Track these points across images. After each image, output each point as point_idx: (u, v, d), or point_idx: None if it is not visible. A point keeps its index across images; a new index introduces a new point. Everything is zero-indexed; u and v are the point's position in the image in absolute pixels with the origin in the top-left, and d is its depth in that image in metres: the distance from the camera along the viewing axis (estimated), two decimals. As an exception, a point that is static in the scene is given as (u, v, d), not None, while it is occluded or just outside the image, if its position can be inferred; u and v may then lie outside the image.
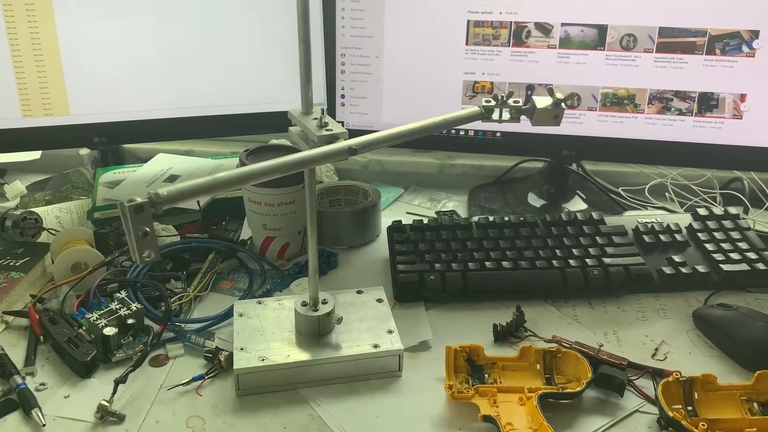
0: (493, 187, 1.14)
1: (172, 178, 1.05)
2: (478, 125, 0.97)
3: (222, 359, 0.71)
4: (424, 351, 0.75)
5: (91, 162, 1.14)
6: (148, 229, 0.39)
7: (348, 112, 0.99)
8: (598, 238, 0.90)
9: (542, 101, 0.63)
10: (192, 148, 1.20)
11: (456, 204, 1.11)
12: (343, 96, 0.98)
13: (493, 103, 0.65)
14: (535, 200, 1.09)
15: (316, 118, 0.59)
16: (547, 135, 0.97)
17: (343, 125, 1.01)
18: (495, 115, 0.65)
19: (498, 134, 0.98)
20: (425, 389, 0.69)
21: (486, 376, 0.70)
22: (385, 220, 0.97)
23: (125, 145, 1.18)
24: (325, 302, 0.71)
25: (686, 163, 1.03)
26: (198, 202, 0.97)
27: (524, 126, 0.96)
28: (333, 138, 0.57)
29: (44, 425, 0.64)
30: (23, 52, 0.91)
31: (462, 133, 0.98)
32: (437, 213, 1.06)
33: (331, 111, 1.00)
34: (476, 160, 1.16)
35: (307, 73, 0.60)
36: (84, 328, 0.75)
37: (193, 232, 0.96)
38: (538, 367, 0.70)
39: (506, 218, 0.93)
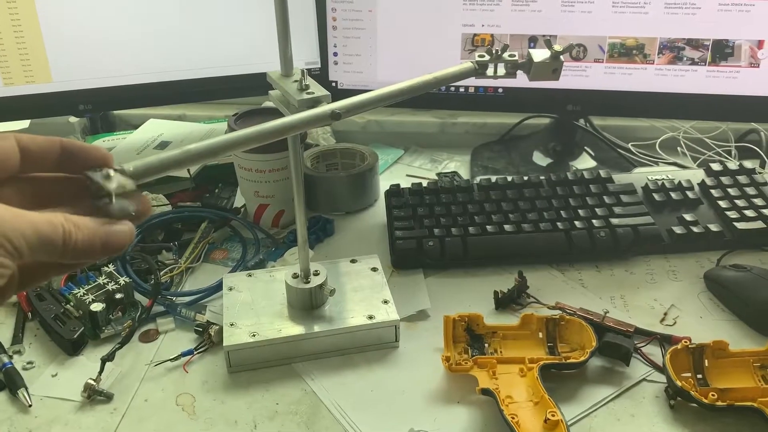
0: (497, 145, 1.10)
1: (163, 145, 1.02)
2: (479, 81, 0.92)
3: (212, 333, 0.69)
4: (423, 320, 0.73)
5: (81, 130, 1.11)
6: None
7: (342, 71, 0.94)
8: (605, 197, 0.86)
9: (539, 54, 0.58)
10: (184, 112, 1.16)
11: (458, 164, 1.07)
12: (335, 54, 0.93)
13: (487, 57, 0.60)
14: (540, 159, 1.04)
15: (296, 81, 0.55)
16: (551, 89, 0.91)
17: (336, 85, 0.98)
18: (489, 71, 0.60)
19: (500, 90, 0.93)
20: (423, 361, 0.67)
21: (486, 345, 0.67)
22: (385, 183, 0.93)
23: (116, 112, 1.14)
24: (317, 273, 0.68)
25: (699, 115, 0.98)
26: (188, 169, 0.94)
27: (527, 81, 0.92)
28: (315, 102, 0.53)
29: (30, 405, 0.62)
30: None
31: (462, 90, 0.94)
32: (438, 175, 1.02)
33: (324, 70, 0.95)
34: (479, 118, 1.11)
35: (284, 29, 0.55)
36: (72, 303, 0.72)
37: (184, 201, 0.93)
38: (540, 335, 0.67)
39: (509, 179, 0.89)
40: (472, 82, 0.92)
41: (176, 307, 0.73)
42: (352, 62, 0.93)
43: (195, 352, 0.68)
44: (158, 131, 1.06)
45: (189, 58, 0.95)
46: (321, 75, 0.96)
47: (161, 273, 0.77)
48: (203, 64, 0.95)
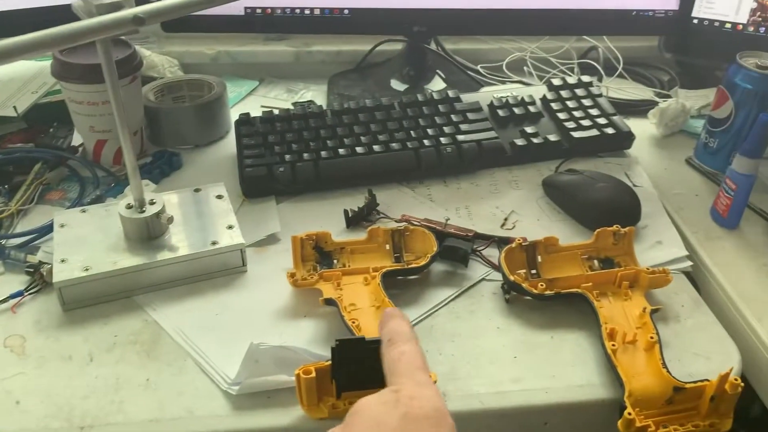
0: (353, 73, 1.09)
1: (-11, 86, 0.93)
2: (325, 2, 0.90)
3: (44, 273, 0.65)
4: (273, 244, 0.72)
5: None
6: None
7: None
8: (453, 116, 0.87)
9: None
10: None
11: (315, 94, 1.05)
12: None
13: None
14: (397, 84, 1.05)
15: (96, -13, 0.51)
16: (398, 10, 0.91)
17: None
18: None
19: (346, 11, 0.91)
20: (272, 282, 0.66)
21: (335, 261, 0.67)
22: (237, 115, 0.89)
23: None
24: (153, 203, 0.66)
25: (538, 31, 1.01)
26: (15, 108, 0.87)
27: (373, 1, 0.91)
28: (115, 6, 0.49)
29: None
30: None
31: (308, 12, 0.91)
32: (293, 104, 1.00)
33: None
34: (334, 46, 1.10)
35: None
36: None
37: (15, 143, 0.86)
38: (387, 247, 0.68)
39: (361, 103, 0.89)
40: (318, 2, 0.90)
41: (4, 249, 0.68)
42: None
43: (25, 293, 0.64)
44: (-18, 71, 0.97)
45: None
46: None
47: (-13, 217, 0.72)
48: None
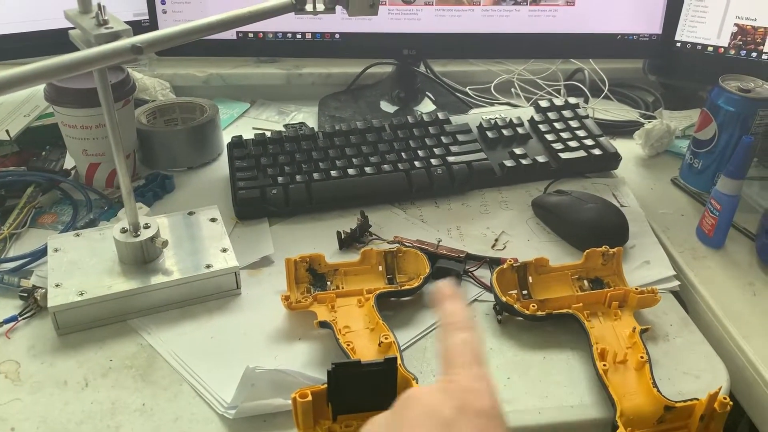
0: (344, 95, 1.10)
1: (-20, 109, 0.93)
2: (316, 26, 0.92)
3: (38, 297, 0.65)
4: (267, 266, 0.72)
5: None
6: None
7: (171, 21, 0.90)
8: (443, 137, 0.89)
9: (354, -12, 0.58)
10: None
11: (306, 115, 1.06)
12: (163, 2, 0.89)
13: (303, -8, 0.60)
14: (387, 106, 1.06)
15: (94, 17, 0.52)
16: (387, 34, 0.93)
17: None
18: (308, 6, 0.60)
19: (337, 36, 0.93)
20: (266, 304, 0.66)
21: (328, 283, 0.68)
22: (229, 138, 0.90)
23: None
24: (147, 226, 0.66)
25: (525, 54, 1.03)
26: (8, 132, 0.87)
27: (363, 25, 0.93)
28: (114, 36, 0.50)
29: None
30: None
31: (300, 36, 0.92)
32: (285, 126, 1.01)
33: (153, 21, 0.90)
34: (324, 68, 1.11)
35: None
36: None
37: (7, 166, 0.86)
38: (380, 268, 0.69)
39: (353, 125, 0.90)
40: (309, 27, 0.91)
41: (-3, 274, 0.68)
42: (182, 10, 0.89)
43: (19, 318, 0.64)
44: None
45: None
46: (150, 26, 0.91)
47: (-20, 241, 0.72)
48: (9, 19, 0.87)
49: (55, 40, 0.90)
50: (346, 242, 0.75)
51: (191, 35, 0.53)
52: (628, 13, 0.93)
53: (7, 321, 0.63)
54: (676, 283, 0.70)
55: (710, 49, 0.93)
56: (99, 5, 0.51)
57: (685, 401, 0.53)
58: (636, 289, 0.64)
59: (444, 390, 0.38)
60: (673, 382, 0.59)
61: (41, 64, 0.45)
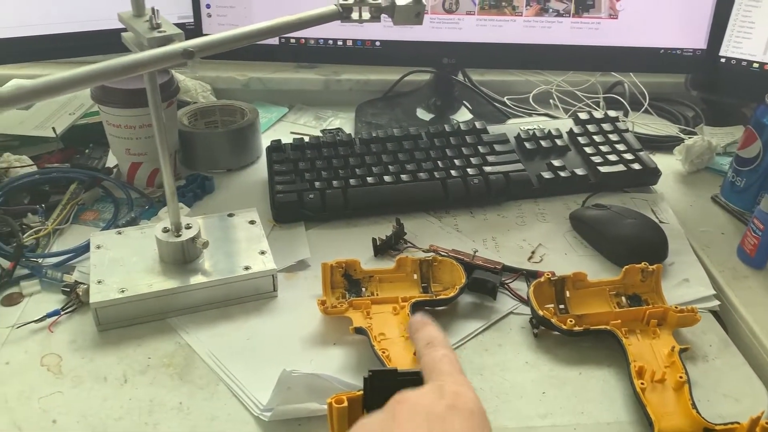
0: (381, 102, 1.11)
1: (29, 105, 0.96)
2: (357, 34, 0.92)
3: (80, 293, 0.66)
4: (303, 270, 0.73)
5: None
6: None
7: (216, 24, 0.91)
8: (480, 147, 0.88)
9: (402, -2, 0.59)
10: (53, 72, 1.08)
11: (343, 121, 1.07)
12: (208, 6, 0.90)
13: (351, 1, 0.60)
14: (423, 114, 1.06)
15: (147, 20, 0.53)
16: (427, 43, 0.93)
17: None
18: (354, 15, 0.61)
19: (377, 43, 0.93)
20: (301, 308, 0.67)
21: (363, 289, 0.68)
22: (268, 141, 0.91)
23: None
24: (189, 227, 0.67)
25: (565, 66, 1.03)
26: (54, 129, 0.89)
27: (404, 33, 0.93)
28: (166, 40, 0.51)
29: None
30: None
31: (340, 43, 0.93)
32: (322, 131, 1.02)
33: (198, 24, 0.92)
34: (362, 75, 1.12)
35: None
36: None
37: (52, 163, 0.88)
38: (415, 277, 0.69)
39: (389, 132, 0.90)
40: (350, 34, 0.92)
41: (42, 269, 0.70)
42: (226, 14, 0.91)
43: (62, 312, 0.65)
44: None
45: (48, 11, 0.89)
46: (195, 29, 0.93)
47: (25, 236, 0.73)
48: (62, 19, 0.89)
49: (101, 41, 0.92)
50: (381, 249, 0.75)
51: (241, 41, 0.54)
52: (672, 28, 0.92)
53: (50, 315, 0.64)
54: (716, 302, 0.69)
55: (756, 65, 0.91)
56: (153, 9, 0.52)
57: (725, 424, 0.52)
58: (675, 307, 0.64)
59: (434, 391, 0.41)
60: (713, 404, 0.58)
61: (97, 66, 0.46)
